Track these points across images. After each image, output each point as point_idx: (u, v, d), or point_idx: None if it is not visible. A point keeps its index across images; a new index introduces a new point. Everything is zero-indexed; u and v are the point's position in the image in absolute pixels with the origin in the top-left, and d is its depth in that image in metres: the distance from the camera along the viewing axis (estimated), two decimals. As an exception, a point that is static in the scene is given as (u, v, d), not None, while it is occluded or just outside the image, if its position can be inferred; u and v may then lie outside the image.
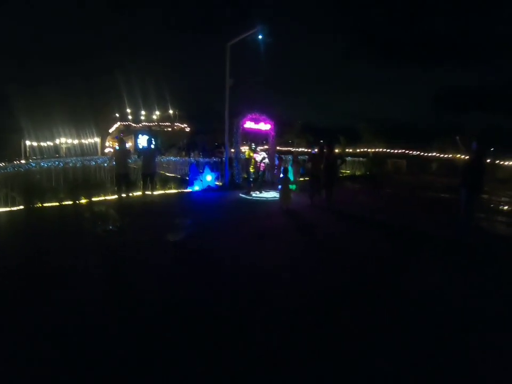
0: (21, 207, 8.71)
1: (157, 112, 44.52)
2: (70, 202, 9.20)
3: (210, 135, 42.59)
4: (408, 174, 21.70)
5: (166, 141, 34.43)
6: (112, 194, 9.87)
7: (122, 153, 9.09)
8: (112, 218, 7.29)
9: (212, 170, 12.35)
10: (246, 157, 11.35)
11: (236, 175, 12.81)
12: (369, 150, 30.12)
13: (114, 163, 9.43)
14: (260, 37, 11.55)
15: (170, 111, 45.15)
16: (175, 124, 44.54)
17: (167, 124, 43.94)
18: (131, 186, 9.62)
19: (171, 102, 45.31)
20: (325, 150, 8.89)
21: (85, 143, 41.06)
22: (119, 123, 43.57)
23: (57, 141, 42.23)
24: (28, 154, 37.76)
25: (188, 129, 45.20)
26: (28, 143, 39.69)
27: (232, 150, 13.87)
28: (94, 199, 9.63)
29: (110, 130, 44.20)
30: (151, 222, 7.09)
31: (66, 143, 42.41)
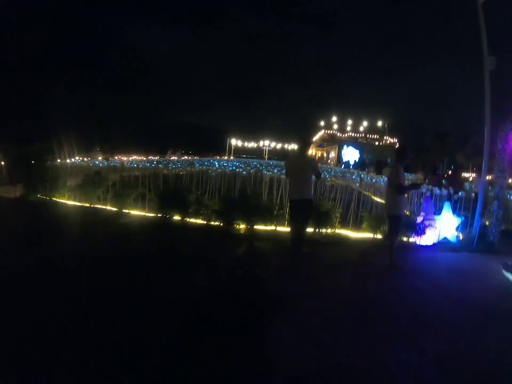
0: (157, 215, 6.81)
1: (365, 123, 40.25)
2: (221, 224, 6.47)
3: (416, 153, 35.27)
4: None
5: (372, 156, 30.18)
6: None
7: (298, 165, 4.98)
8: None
9: (454, 210, 6.96)
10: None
11: (493, 226, 6.90)
12: None
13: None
14: None
15: (380, 122, 40.00)
16: (384, 137, 39.13)
17: (374, 136, 39.10)
18: (320, 218, 5.92)
19: (382, 112, 40.26)
20: None
21: (288, 148, 42.15)
22: (323, 131, 42.16)
23: (260, 143, 45.89)
24: (231, 152, 43.15)
25: (397, 145, 38.92)
26: (233, 142, 45.46)
27: (488, 179, 8.04)
28: (257, 226, 6.57)
29: (314, 139, 43.77)
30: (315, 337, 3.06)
31: (269, 145, 45.30)
